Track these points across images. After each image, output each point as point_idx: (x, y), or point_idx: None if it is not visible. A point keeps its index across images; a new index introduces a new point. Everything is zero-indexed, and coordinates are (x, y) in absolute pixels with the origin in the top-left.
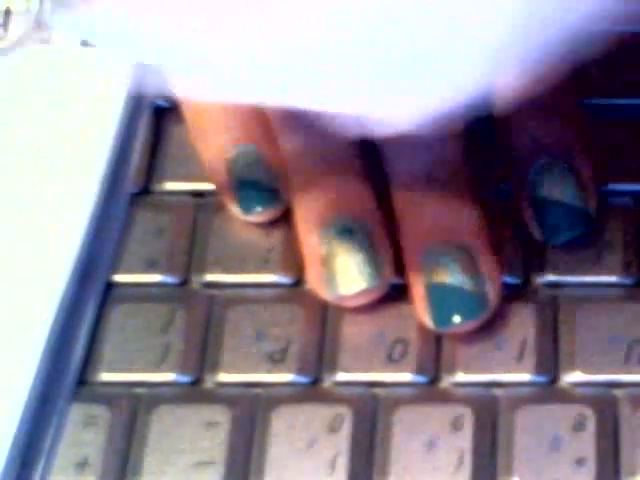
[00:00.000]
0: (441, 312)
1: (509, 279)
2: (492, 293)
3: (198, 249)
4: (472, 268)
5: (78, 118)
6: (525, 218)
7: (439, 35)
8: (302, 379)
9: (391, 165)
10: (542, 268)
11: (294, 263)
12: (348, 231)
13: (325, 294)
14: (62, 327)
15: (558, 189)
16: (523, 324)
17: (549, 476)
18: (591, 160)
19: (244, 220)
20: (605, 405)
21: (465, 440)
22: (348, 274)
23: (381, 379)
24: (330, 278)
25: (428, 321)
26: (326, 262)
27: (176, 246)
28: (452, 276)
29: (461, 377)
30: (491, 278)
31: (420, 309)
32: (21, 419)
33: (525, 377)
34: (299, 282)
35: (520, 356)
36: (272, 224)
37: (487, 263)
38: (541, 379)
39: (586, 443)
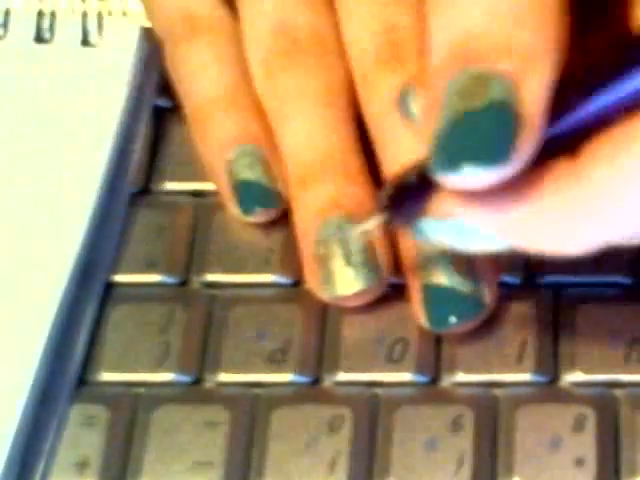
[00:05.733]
0: (437, 313)
1: (509, 279)
2: (488, 294)
3: (198, 249)
4: (468, 269)
5: (78, 118)
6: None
7: None
8: (302, 379)
9: (390, 165)
10: (542, 268)
11: (294, 263)
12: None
13: (323, 294)
14: (62, 327)
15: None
16: (523, 324)
17: (549, 476)
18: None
19: (244, 220)
20: (605, 405)
21: (465, 440)
22: (345, 275)
23: (381, 379)
24: (327, 278)
25: (425, 322)
26: (324, 262)
27: (176, 246)
28: (448, 277)
29: (461, 377)
30: (487, 279)
31: (417, 310)
32: (21, 419)
33: (525, 377)
34: (299, 282)
35: (520, 356)
36: (272, 224)
37: (483, 264)
38: (541, 379)
39: (586, 443)
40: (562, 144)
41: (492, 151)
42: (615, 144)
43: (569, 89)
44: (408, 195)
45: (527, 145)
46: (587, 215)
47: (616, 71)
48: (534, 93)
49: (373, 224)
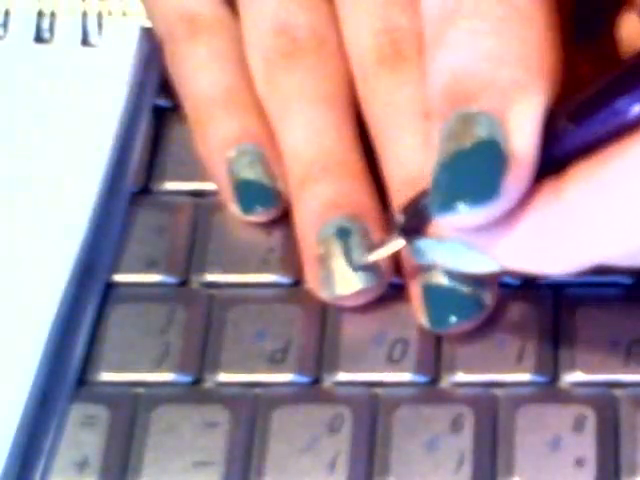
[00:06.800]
0: (437, 313)
1: (509, 279)
2: (488, 294)
3: (198, 249)
4: None
5: (78, 118)
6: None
7: None
8: (302, 379)
9: (391, 165)
10: None
11: (294, 263)
12: (346, 231)
13: (322, 294)
14: (62, 327)
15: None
16: (523, 324)
17: (549, 476)
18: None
19: (244, 220)
20: (605, 405)
21: (465, 440)
22: (345, 274)
23: (381, 379)
24: (327, 278)
25: (425, 322)
26: (323, 262)
27: (176, 246)
28: (448, 277)
29: (461, 377)
30: (487, 279)
31: (417, 310)
32: (21, 419)
33: (525, 377)
34: (299, 282)
35: (520, 356)
36: (272, 224)
37: None
38: (541, 379)
39: (586, 443)
40: (549, 167)
41: (483, 189)
42: (594, 163)
43: (558, 115)
44: (422, 219)
45: (518, 180)
46: (569, 236)
47: (604, 103)
48: (522, 127)
49: (392, 249)
